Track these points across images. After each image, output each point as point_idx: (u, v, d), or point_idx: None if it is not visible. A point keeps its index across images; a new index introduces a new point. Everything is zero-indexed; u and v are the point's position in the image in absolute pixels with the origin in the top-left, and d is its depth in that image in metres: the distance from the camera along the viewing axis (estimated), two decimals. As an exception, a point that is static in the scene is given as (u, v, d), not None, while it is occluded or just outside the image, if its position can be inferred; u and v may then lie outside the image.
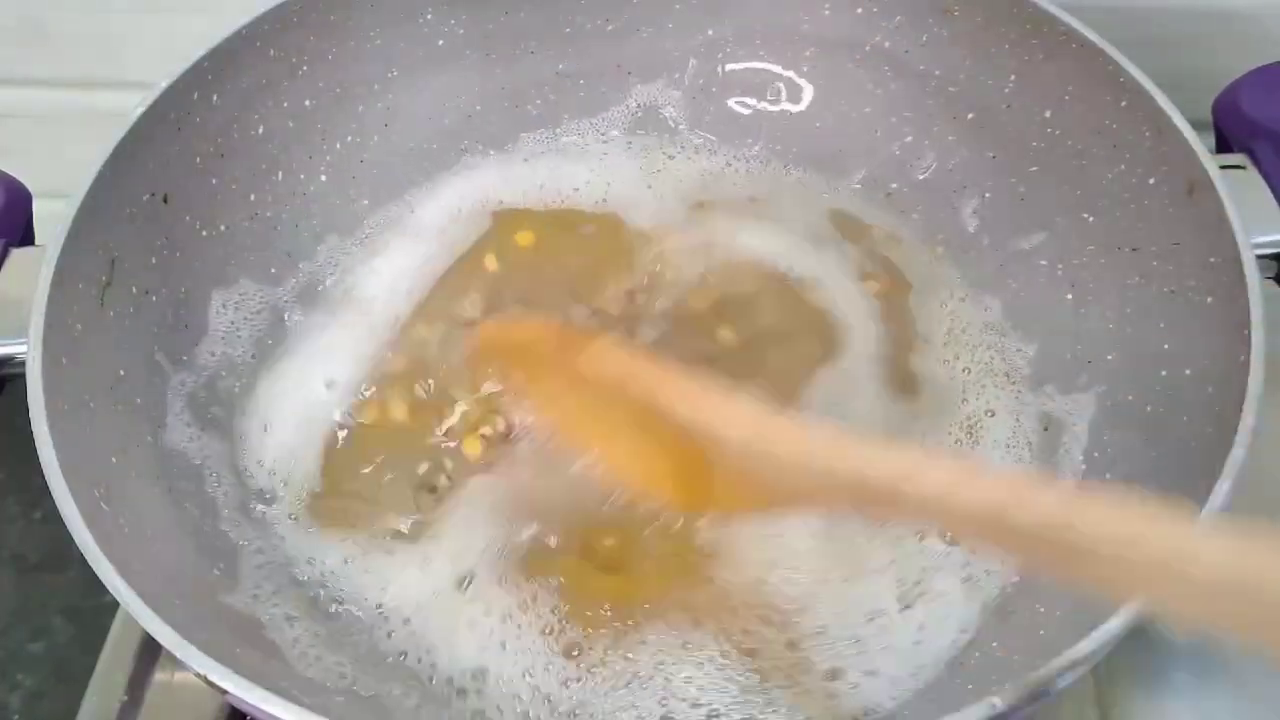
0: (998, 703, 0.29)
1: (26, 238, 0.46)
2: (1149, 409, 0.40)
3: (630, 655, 0.38)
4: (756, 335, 0.45)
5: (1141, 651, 0.42)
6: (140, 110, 0.42)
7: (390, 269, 0.48)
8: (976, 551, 0.36)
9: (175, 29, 0.47)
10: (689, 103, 0.53)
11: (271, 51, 0.46)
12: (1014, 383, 0.45)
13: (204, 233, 0.45)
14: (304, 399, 0.44)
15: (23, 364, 0.37)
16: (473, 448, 0.42)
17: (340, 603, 0.39)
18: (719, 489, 0.33)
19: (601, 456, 0.38)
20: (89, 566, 0.32)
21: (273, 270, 0.47)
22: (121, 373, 0.40)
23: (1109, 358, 0.43)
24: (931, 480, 0.27)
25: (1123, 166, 0.43)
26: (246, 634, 0.37)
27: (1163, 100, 0.41)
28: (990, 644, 0.37)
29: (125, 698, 0.41)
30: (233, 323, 0.45)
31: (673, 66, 0.52)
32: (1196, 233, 0.40)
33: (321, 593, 0.40)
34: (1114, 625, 0.31)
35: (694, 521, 0.39)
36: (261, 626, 0.38)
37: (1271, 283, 0.43)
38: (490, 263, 0.47)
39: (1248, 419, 0.34)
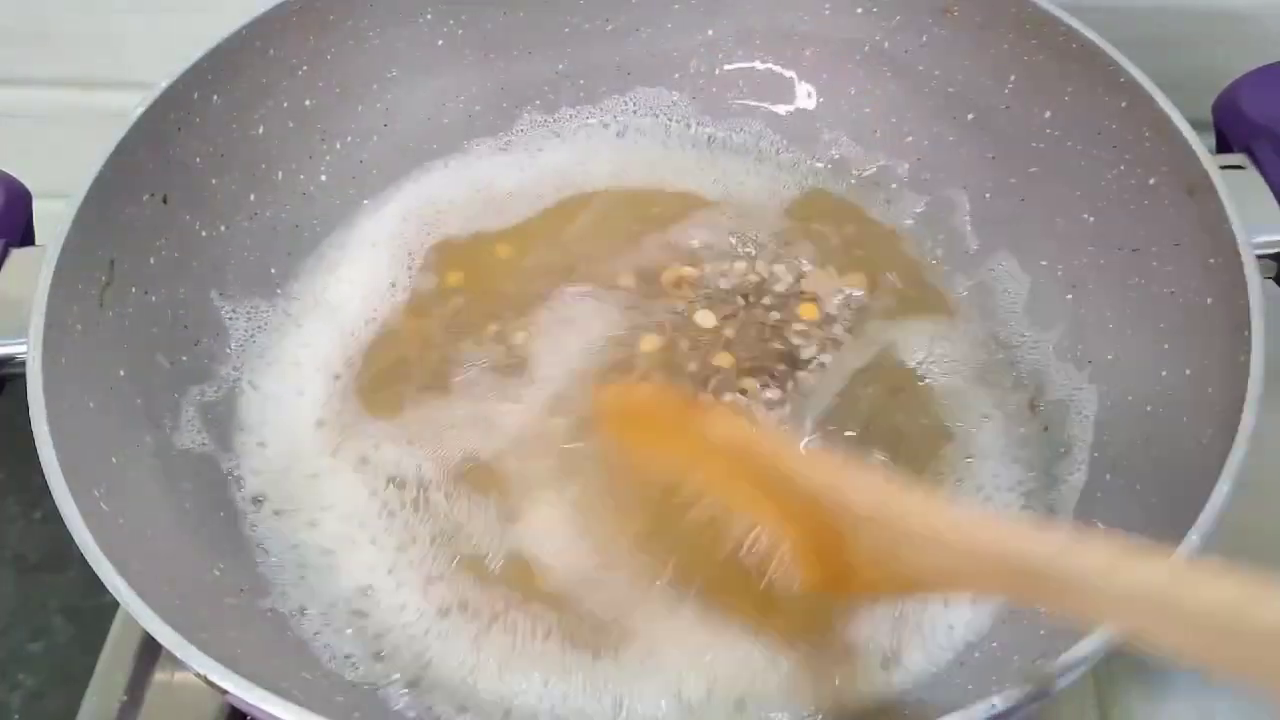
0: (998, 703, 0.29)
1: (26, 238, 0.46)
2: (1149, 409, 0.40)
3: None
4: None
5: (1141, 651, 0.42)
6: (140, 110, 0.42)
7: (391, 270, 0.48)
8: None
9: (175, 29, 0.47)
10: (689, 103, 0.53)
11: (271, 51, 0.46)
12: (1013, 384, 0.45)
13: (204, 233, 0.45)
14: (305, 400, 0.44)
15: (23, 364, 0.37)
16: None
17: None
18: (854, 570, 0.32)
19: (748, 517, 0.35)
20: (89, 566, 0.32)
21: (273, 271, 0.47)
22: (121, 373, 0.40)
23: (1109, 358, 0.43)
24: (1086, 561, 0.25)
25: (1123, 166, 0.43)
26: (238, 630, 0.37)
27: (1163, 100, 0.41)
28: (990, 644, 0.37)
29: (125, 698, 0.41)
30: (233, 323, 0.45)
31: (673, 66, 0.52)
32: (1196, 233, 0.40)
33: (321, 584, 0.40)
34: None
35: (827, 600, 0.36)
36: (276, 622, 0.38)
37: (1271, 283, 0.43)
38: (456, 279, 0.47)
39: (1248, 419, 0.34)
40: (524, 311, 0.46)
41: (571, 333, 0.45)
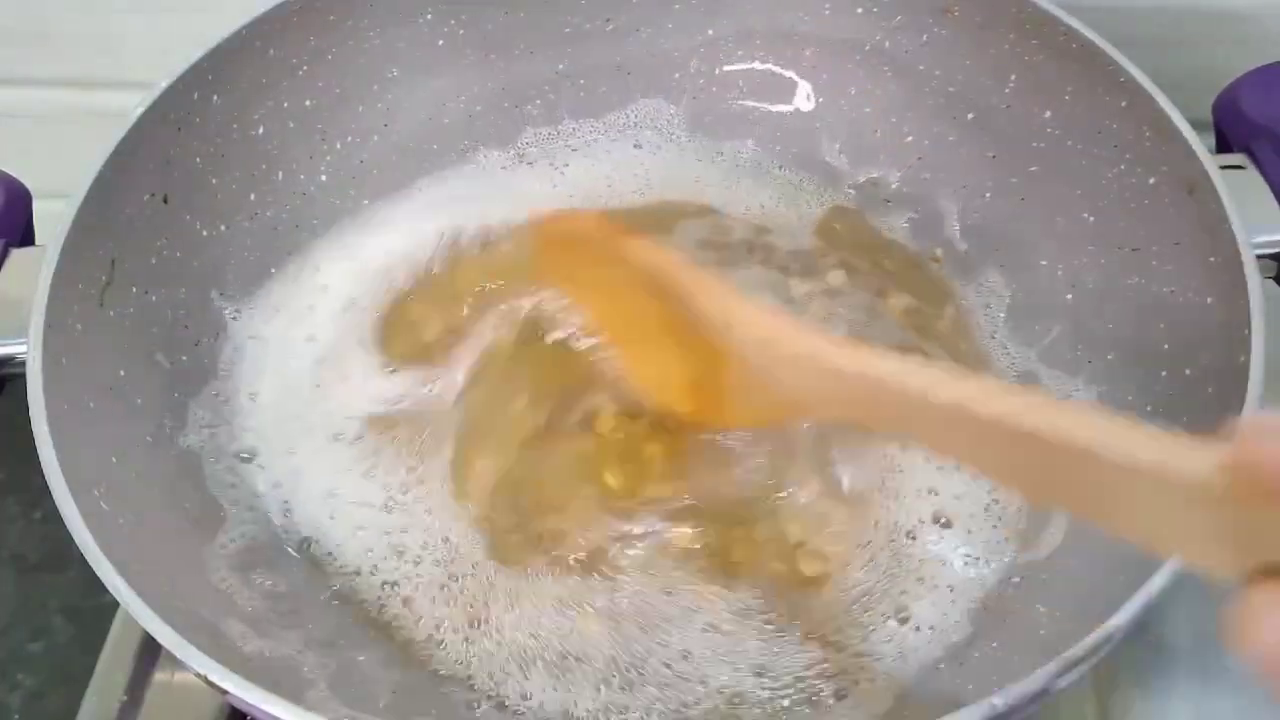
0: (998, 703, 0.29)
1: (26, 238, 0.46)
2: (1149, 409, 0.40)
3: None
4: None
5: (1141, 651, 0.42)
6: (140, 110, 0.42)
7: (389, 272, 0.48)
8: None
9: (175, 29, 0.47)
10: (689, 103, 0.53)
11: (271, 51, 0.46)
12: (1013, 384, 0.45)
13: (204, 233, 0.45)
14: (302, 401, 0.44)
15: (23, 364, 0.37)
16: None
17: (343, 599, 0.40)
18: (733, 402, 0.36)
19: (627, 357, 0.41)
20: (89, 566, 0.32)
21: (273, 271, 0.47)
22: (121, 373, 0.40)
23: (1109, 358, 0.43)
24: (947, 389, 0.28)
25: (1123, 166, 0.43)
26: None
27: (1163, 100, 0.41)
28: (990, 644, 0.37)
29: (125, 698, 0.41)
30: (233, 323, 0.45)
31: (673, 66, 0.52)
32: (1196, 233, 0.40)
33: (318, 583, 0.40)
34: (1114, 625, 0.31)
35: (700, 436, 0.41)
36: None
37: (1271, 283, 0.43)
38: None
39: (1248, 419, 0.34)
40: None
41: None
